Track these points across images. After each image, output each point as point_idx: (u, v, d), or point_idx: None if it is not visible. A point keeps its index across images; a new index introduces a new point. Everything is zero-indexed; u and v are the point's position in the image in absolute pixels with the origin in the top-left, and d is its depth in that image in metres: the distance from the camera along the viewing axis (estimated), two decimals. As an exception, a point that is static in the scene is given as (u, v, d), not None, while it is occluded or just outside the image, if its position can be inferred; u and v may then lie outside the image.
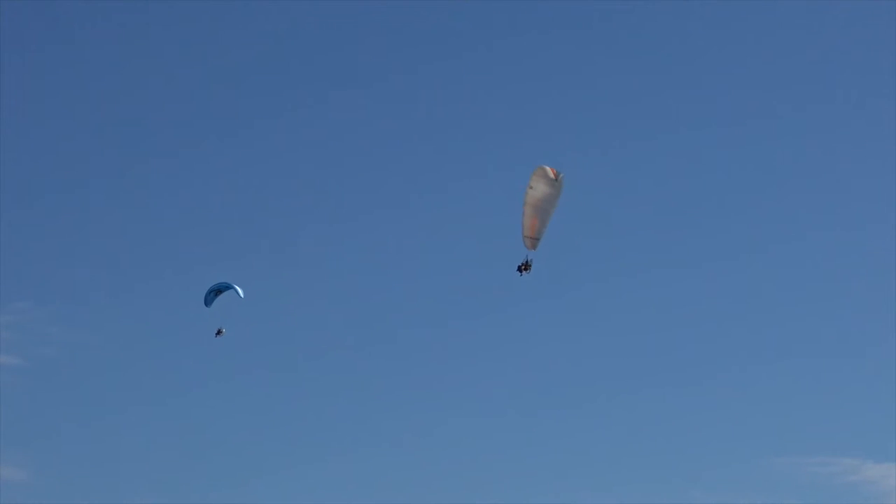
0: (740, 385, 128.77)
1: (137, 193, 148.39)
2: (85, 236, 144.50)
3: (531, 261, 72.70)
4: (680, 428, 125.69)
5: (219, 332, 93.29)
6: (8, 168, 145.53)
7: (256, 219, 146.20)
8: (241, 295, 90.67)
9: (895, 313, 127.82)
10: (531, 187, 68.65)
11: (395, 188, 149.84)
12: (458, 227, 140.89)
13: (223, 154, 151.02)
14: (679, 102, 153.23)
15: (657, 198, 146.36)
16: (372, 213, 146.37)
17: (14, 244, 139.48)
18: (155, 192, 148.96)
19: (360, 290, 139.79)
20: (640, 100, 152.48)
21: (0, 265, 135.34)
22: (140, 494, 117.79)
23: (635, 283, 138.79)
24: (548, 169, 68.67)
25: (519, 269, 73.43)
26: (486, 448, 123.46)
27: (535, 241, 69.65)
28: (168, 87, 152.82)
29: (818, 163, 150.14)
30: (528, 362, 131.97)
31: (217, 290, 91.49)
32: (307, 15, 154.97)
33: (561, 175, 68.49)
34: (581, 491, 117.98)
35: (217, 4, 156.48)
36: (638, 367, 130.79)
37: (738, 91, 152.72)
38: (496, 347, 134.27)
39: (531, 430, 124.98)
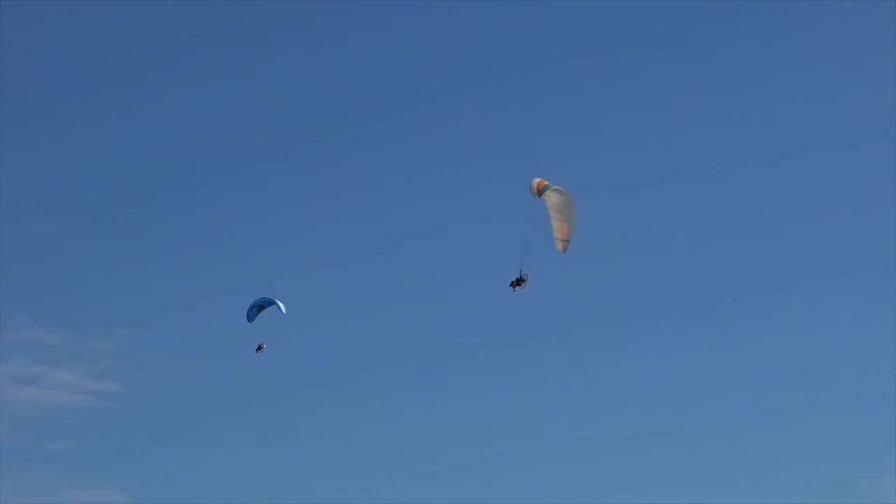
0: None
1: (233, 220, 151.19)
2: (184, 264, 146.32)
3: (526, 275, 75.66)
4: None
5: (259, 348, 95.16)
6: (105, 195, 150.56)
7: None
8: (283, 311, 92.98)
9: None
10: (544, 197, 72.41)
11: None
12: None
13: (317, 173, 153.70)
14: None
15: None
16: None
17: (114, 272, 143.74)
18: (250, 219, 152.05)
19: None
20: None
21: (101, 292, 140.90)
22: None
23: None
24: (533, 185, 72.06)
25: (512, 284, 76.12)
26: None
27: (562, 242, 73.12)
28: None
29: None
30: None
31: (260, 306, 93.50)
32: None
33: (544, 187, 71.56)
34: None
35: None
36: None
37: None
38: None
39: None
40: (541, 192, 71.78)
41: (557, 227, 72.56)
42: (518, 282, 75.84)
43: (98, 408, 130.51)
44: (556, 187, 72.03)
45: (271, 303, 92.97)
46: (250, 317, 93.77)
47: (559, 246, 73.14)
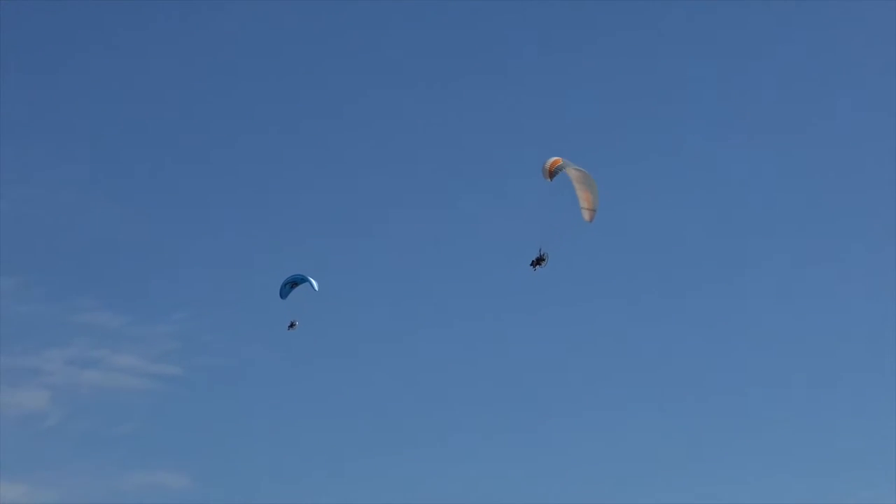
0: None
1: (292, 199, 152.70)
2: (242, 247, 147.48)
3: (546, 254, 76.36)
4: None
5: (292, 325, 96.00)
6: (166, 182, 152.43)
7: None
8: (316, 288, 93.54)
9: None
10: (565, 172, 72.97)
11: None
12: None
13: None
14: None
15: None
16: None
17: (175, 255, 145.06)
18: (308, 199, 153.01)
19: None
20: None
21: (160, 276, 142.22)
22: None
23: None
24: (546, 165, 72.55)
25: (532, 263, 76.76)
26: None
27: (589, 211, 73.98)
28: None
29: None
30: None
31: (293, 283, 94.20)
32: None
33: (559, 167, 72.10)
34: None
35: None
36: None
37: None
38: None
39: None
40: (554, 172, 72.42)
41: (583, 196, 73.71)
42: (538, 261, 76.67)
43: (159, 391, 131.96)
44: (575, 166, 73.01)
45: (304, 280, 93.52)
46: (283, 294, 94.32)
47: (586, 215, 74.02)
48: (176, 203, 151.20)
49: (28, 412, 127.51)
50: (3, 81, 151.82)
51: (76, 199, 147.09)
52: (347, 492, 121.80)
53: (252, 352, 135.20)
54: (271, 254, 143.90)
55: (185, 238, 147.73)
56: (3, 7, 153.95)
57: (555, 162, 72.36)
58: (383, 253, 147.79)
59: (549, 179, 72.23)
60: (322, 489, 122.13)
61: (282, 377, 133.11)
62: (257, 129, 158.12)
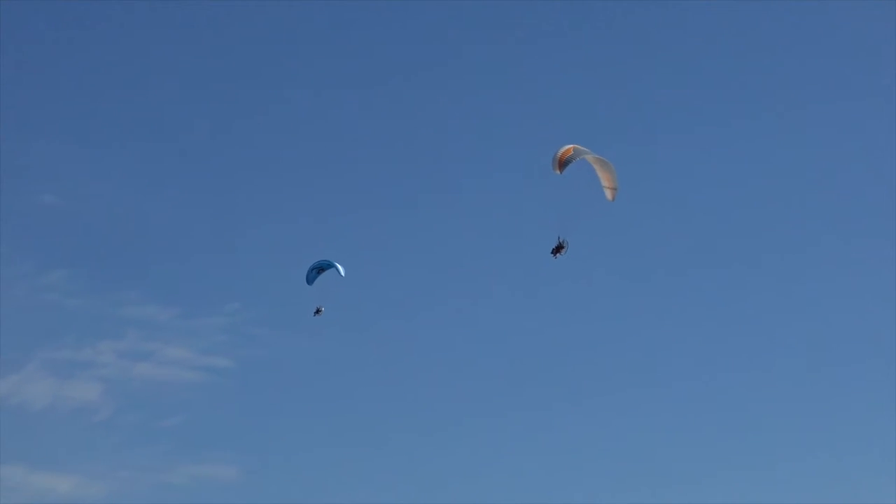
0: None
1: (336, 191, 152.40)
2: (292, 238, 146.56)
3: (565, 242, 77.33)
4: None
5: (318, 311, 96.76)
6: (214, 173, 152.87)
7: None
8: (342, 273, 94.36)
9: None
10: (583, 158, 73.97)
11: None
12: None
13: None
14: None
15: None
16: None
17: (223, 248, 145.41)
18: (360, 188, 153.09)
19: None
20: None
21: (210, 269, 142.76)
22: (350, 494, 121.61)
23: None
24: (557, 155, 73.22)
25: (553, 251, 77.63)
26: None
27: (611, 190, 75.20)
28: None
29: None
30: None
31: (319, 268, 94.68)
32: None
33: (570, 157, 72.96)
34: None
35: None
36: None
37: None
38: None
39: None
40: (565, 163, 72.95)
41: (604, 176, 74.75)
42: (558, 248, 77.50)
43: (210, 383, 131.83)
44: (587, 150, 74.11)
45: (330, 265, 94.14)
46: (309, 279, 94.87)
47: (609, 194, 75.02)
48: (225, 195, 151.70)
49: (80, 405, 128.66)
50: (54, 77, 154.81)
51: (124, 192, 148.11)
52: (398, 485, 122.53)
53: (302, 343, 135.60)
54: (322, 244, 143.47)
55: (233, 230, 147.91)
56: (73, 8, 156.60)
57: (566, 152, 73.06)
58: (436, 234, 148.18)
59: (558, 172, 72.84)
60: (370, 483, 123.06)
61: (332, 369, 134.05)
62: (307, 119, 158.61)
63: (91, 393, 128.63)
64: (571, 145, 73.27)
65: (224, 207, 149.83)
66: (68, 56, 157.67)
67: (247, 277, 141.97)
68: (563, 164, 72.78)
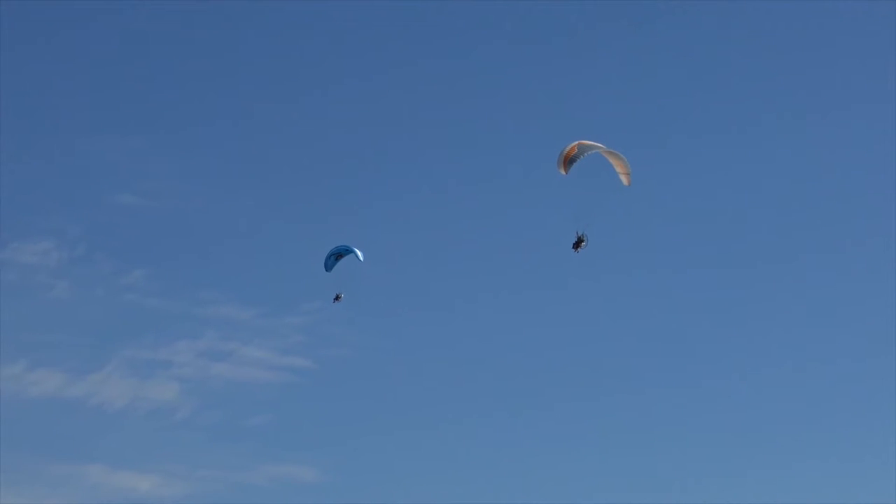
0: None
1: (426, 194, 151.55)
2: (367, 238, 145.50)
3: (584, 235, 76.69)
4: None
5: (337, 298, 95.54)
6: (291, 173, 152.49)
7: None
8: (361, 259, 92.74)
9: None
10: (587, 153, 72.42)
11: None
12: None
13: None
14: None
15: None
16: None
17: (301, 247, 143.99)
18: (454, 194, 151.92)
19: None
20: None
21: (289, 268, 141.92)
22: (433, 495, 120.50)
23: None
24: (563, 153, 71.83)
25: (574, 246, 77.17)
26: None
27: (626, 175, 74.05)
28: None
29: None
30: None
31: (338, 255, 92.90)
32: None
33: (576, 155, 71.54)
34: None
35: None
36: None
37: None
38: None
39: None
40: (571, 160, 71.87)
41: (617, 162, 74.02)
42: (578, 243, 77.22)
43: (289, 383, 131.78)
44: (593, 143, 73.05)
45: (349, 251, 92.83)
46: (328, 266, 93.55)
47: (625, 180, 74.40)
48: (301, 194, 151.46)
49: (159, 405, 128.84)
50: (133, 75, 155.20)
51: (203, 191, 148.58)
52: (481, 491, 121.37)
53: (381, 343, 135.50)
54: (396, 244, 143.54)
55: (311, 229, 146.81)
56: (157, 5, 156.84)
57: (570, 150, 71.97)
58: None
59: (563, 172, 72.06)
60: (453, 486, 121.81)
61: (412, 369, 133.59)
62: (377, 120, 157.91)
63: (169, 393, 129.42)
64: (576, 142, 72.17)
65: (303, 207, 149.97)
66: (148, 53, 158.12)
67: (325, 276, 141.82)
68: (567, 163, 71.92)
